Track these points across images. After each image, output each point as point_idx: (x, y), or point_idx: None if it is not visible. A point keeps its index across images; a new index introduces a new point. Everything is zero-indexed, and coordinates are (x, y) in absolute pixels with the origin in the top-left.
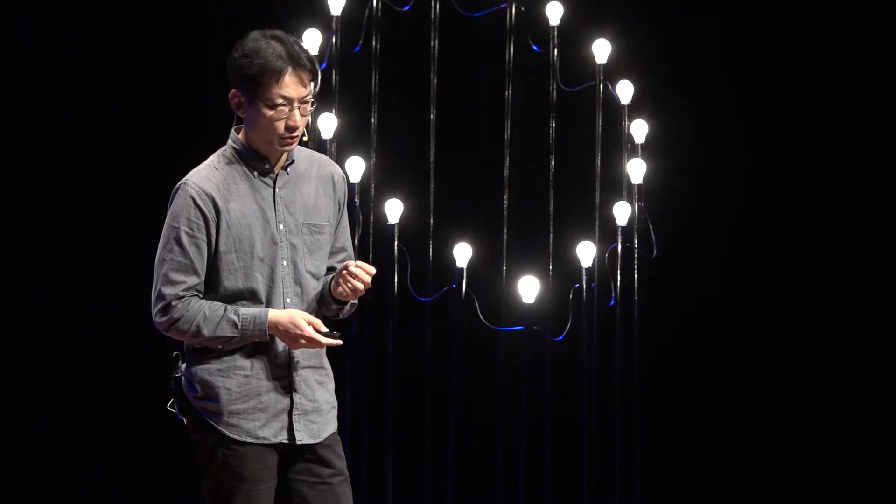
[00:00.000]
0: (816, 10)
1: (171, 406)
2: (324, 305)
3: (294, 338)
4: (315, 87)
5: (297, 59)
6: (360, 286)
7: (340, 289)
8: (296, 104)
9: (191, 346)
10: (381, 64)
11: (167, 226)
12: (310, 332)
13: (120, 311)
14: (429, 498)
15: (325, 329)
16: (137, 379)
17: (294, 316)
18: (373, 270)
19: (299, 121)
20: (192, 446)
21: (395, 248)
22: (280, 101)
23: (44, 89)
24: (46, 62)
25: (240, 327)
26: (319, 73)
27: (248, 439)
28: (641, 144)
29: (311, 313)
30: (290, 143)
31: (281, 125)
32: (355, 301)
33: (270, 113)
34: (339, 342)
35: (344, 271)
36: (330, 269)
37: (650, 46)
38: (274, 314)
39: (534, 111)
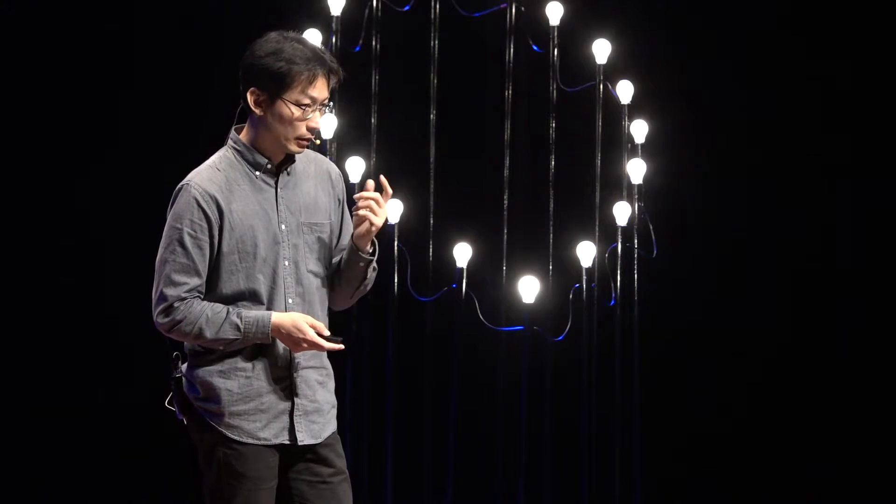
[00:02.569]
0: (817, 10)
1: (170, 403)
2: (348, 270)
3: (297, 341)
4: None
5: (327, 63)
6: (375, 206)
7: (356, 222)
8: (318, 106)
9: (192, 346)
10: (381, 64)
11: (169, 226)
12: (312, 335)
13: (120, 311)
14: (429, 498)
15: (327, 333)
16: (137, 378)
17: (297, 319)
18: (389, 191)
19: (319, 123)
20: (191, 446)
21: (395, 248)
22: (308, 101)
23: (44, 88)
24: (47, 62)
25: (242, 330)
26: (341, 75)
27: (249, 440)
28: (641, 144)
29: (314, 312)
30: (305, 145)
31: (302, 126)
32: (375, 266)
33: (297, 113)
34: (342, 346)
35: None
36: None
37: (650, 46)
38: (277, 317)
39: (534, 111)
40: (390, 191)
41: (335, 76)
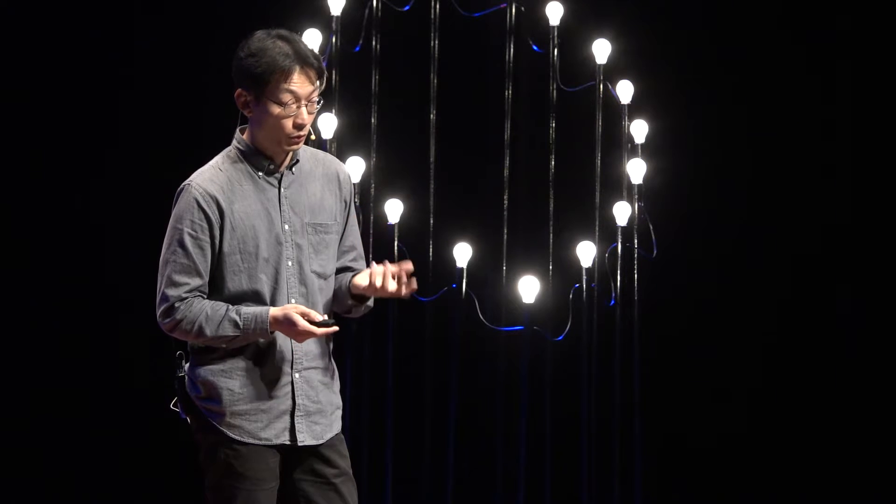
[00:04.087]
0: (817, 9)
1: (175, 405)
2: (336, 302)
3: (295, 332)
4: (321, 85)
5: (305, 58)
6: (384, 284)
7: (366, 289)
8: (303, 102)
9: (194, 345)
10: (381, 64)
11: (171, 227)
12: (303, 324)
13: (123, 311)
14: (429, 498)
15: (318, 319)
16: (138, 378)
17: (287, 311)
18: (410, 267)
19: (307, 119)
20: (194, 445)
21: (396, 248)
22: (288, 98)
23: (45, 89)
24: (50, 63)
25: (241, 326)
26: (325, 71)
27: (250, 440)
28: (641, 144)
29: (317, 312)
30: (297, 142)
31: (289, 123)
32: (370, 303)
33: (279, 111)
34: (335, 328)
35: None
36: (341, 270)
37: (650, 46)
38: (273, 311)
39: (534, 111)
40: (410, 267)
41: (313, 70)
